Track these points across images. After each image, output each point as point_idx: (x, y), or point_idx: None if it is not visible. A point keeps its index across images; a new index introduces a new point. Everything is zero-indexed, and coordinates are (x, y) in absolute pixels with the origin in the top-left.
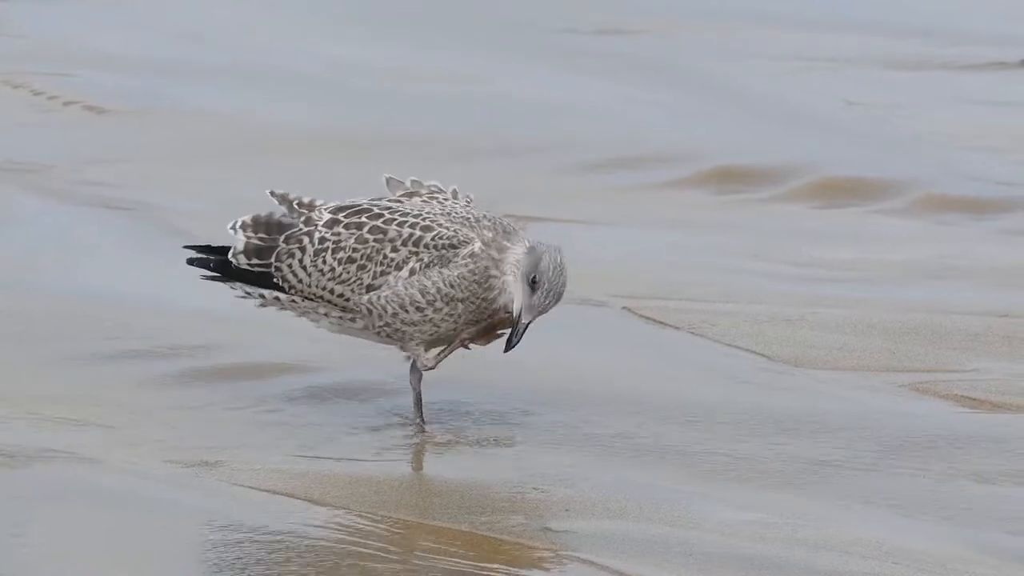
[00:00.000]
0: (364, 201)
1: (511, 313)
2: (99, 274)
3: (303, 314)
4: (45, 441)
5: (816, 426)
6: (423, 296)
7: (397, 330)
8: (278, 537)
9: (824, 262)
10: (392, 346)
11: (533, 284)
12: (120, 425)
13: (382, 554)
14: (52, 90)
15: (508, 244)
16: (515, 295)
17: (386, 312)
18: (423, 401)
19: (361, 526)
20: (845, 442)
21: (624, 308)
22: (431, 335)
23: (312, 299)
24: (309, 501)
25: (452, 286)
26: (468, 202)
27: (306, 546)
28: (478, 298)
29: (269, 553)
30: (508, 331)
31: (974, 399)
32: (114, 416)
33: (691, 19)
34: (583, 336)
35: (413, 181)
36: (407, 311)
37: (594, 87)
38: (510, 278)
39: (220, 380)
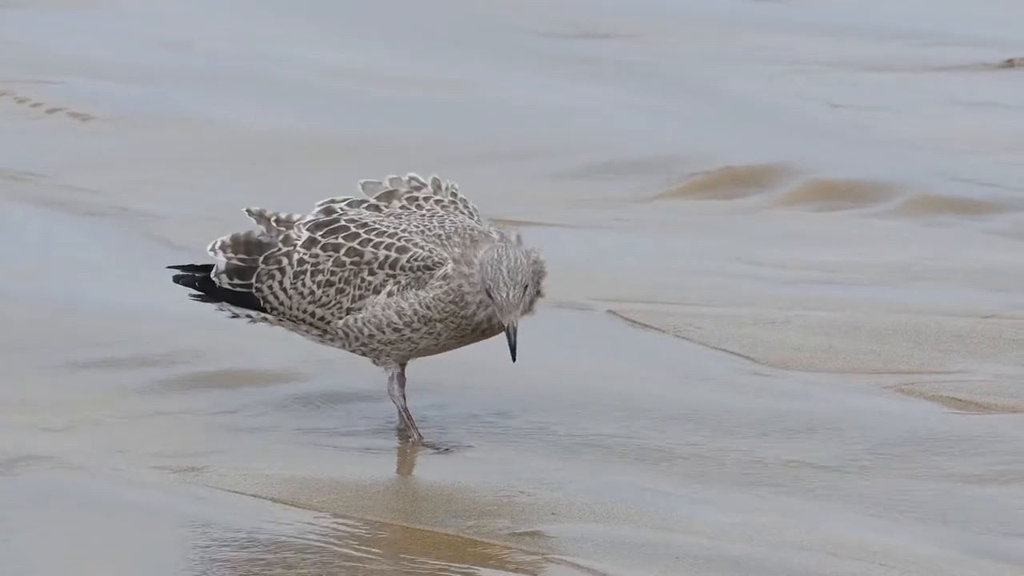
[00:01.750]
0: (343, 211)
1: (482, 322)
2: (84, 281)
3: (293, 330)
4: (30, 448)
5: (802, 428)
6: (400, 318)
7: (373, 349)
8: (265, 541)
9: (810, 264)
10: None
11: (488, 293)
12: (106, 431)
13: (369, 557)
14: (36, 97)
15: (475, 258)
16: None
17: (363, 334)
18: (410, 413)
19: (347, 530)
20: (831, 444)
21: (609, 311)
22: (409, 351)
23: (294, 320)
24: (295, 506)
25: (428, 308)
26: (453, 195)
27: (293, 550)
28: (457, 316)
29: (256, 557)
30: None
31: (960, 400)
32: (100, 422)
33: (674, 23)
34: (568, 339)
35: (392, 179)
36: (384, 332)
37: (579, 91)
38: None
39: (206, 387)
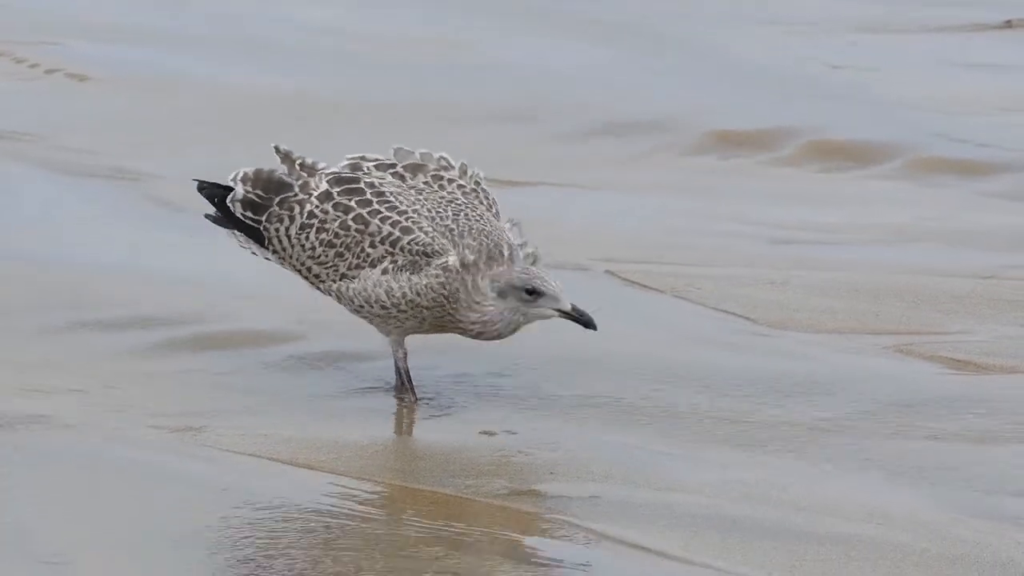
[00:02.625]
0: (368, 172)
1: (475, 328)
2: (81, 242)
3: (293, 273)
4: (29, 408)
5: (800, 388)
6: (388, 297)
7: (364, 317)
8: (264, 501)
9: (809, 225)
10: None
11: (532, 293)
12: (104, 392)
13: (367, 516)
14: (34, 58)
15: (486, 277)
16: (532, 313)
17: (352, 303)
18: (410, 375)
19: (346, 489)
20: (830, 404)
21: (607, 272)
22: (396, 327)
23: (292, 268)
24: (294, 465)
25: (418, 294)
26: (477, 184)
27: (292, 510)
28: (444, 310)
29: (255, 517)
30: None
31: (959, 360)
32: (98, 383)
33: None
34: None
35: (423, 153)
36: (371, 306)
37: (578, 52)
38: (500, 305)
39: (204, 348)
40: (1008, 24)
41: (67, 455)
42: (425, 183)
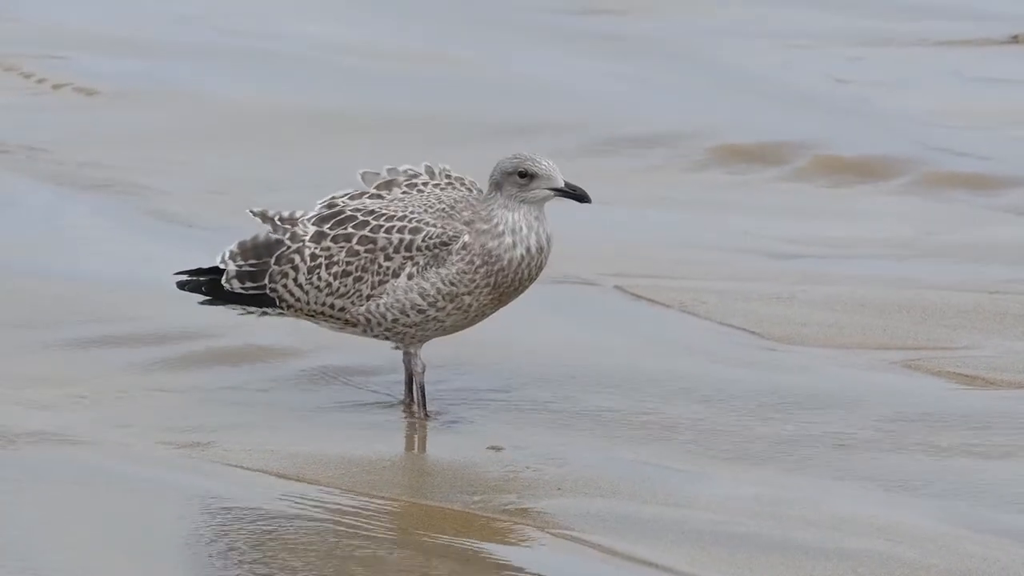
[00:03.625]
0: (345, 204)
1: (519, 250)
2: (89, 256)
3: (309, 321)
4: (35, 423)
5: (808, 403)
6: (423, 299)
7: (397, 333)
8: (271, 516)
9: (816, 239)
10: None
11: (524, 175)
12: (111, 407)
13: (374, 533)
14: (42, 72)
15: (486, 203)
16: (528, 198)
17: (385, 319)
18: (424, 387)
19: (353, 505)
20: (837, 419)
21: (616, 287)
22: (435, 330)
23: (312, 315)
24: (302, 481)
25: (453, 284)
26: (447, 177)
27: (299, 525)
28: (491, 276)
29: (262, 532)
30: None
31: (966, 375)
32: (105, 398)
33: None
34: (574, 315)
35: (388, 169)
36: (408, 315)
37: (581, 67)
38: (511, 215)
39: (211, 363)
40: (1015, 39)
41: (73, 470)
42: (404, 193)
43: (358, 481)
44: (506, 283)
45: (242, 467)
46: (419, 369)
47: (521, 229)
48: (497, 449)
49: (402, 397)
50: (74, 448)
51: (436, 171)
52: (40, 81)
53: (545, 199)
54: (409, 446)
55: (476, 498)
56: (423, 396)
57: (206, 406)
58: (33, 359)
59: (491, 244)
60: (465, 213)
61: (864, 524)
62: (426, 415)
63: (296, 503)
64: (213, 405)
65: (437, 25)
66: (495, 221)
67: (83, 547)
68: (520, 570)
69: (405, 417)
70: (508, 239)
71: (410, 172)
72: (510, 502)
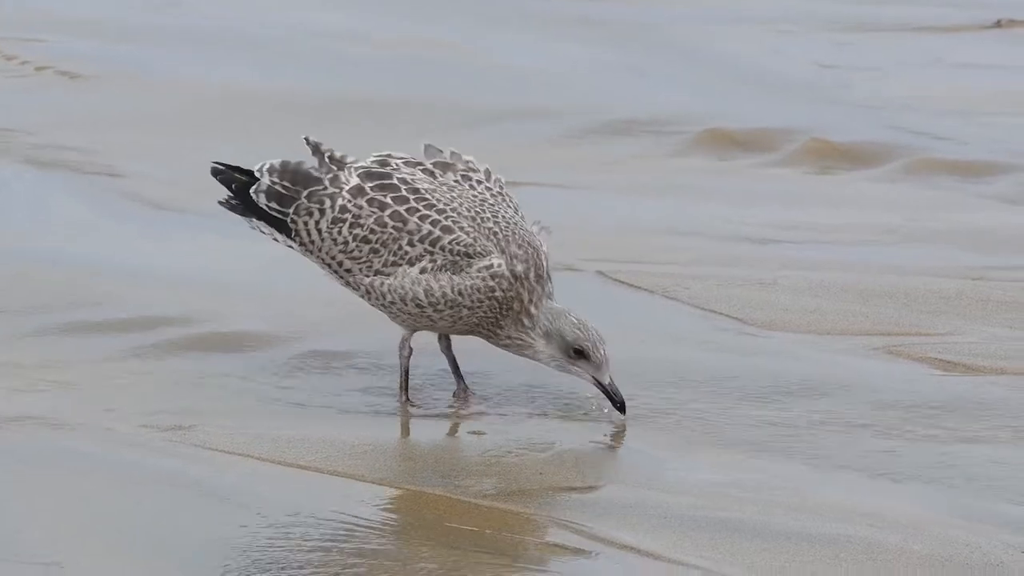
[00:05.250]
0: (396, 168)
1: (510, 344)
2: (70, 241)
3: (317, 265)
4: (18, 408)
5: (790, 389)
6: (426, 296)
7: (390, 312)
8: (251, 499)
9: (800, 225)
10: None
11: (579, 353)
12: (94, 391)
13: (356, 517)
14: (24, 55)
15: (538, 309)
16: (568, 368)
17: (384, 297)
18: (409, 375)
19: (334, 489)
20: (819, 405)
21: (598, 272)
22: (425, 325)
23: (320, 261)
24: (283, 464)
25: (460, 294)
26: (501, 187)
27: (278, 508)
28: (489, 316)
29: (242, 514)
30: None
31: (948, 362)
32: (88, 383)
33: None
34: (557, 301)
35: (452, 152)
36: (406, 304)
37: (569, 53)
38: (545, 346)
39: (194, 349)
40: (998, 24)
41: (57, 454)
42: (455, 181)
43: (339, 465)
44: (485, 327)
45: (224, 451)
46: (405, 353)
47: (538, 352)
48: (480, 434)
49: (395, 390)
50: (57, 432)
51: (493, 178)
52: (23, 63)
53: (582, 379)
54: (391, 431)
55: (458, 482)
56: (405, 379)
57: (189, 391)
58: (13, 343)
59: (517, 313)
60: (518, 265)
61: (846, 510)
62: (406, 399)
63: (276, 487)
64: (196, 390)
65: (424, 11)
66: (528, 326)
67: (66, 530)
68: (502, 554)
69: (387, 402)
70: (513, 333)
71: (470, 164)
72: (492, 486)
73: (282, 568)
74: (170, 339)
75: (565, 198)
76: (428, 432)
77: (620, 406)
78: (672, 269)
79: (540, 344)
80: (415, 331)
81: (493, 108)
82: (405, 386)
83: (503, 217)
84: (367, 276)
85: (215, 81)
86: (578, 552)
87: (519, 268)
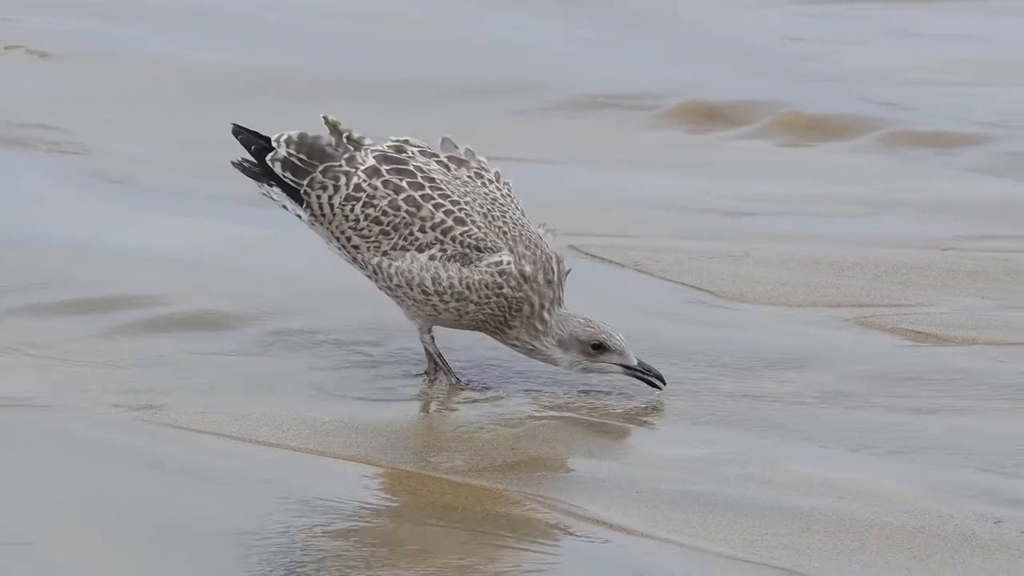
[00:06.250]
0: (412, 155)
1: (523, 348)
2: (43, 220)
3: (323, 239)
4: None
5: (760, 362)
6: (433, 284)
7: (397, 297)
8: (221, 476)
9: (771, 197)
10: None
11: (599, 348)
12: (64, 371)
13: (325, 493)
14: None
15: (549, 317)
16: (590, 364)
17: (391, 280)
18: (441, 355)
19: (305, 466)
20: (790, 377)
21: (570, 246)
22: (428, 315)
23: (329, 234)
24: (253, 442)
25: (468, 287)
26: (509, 191)
27: (250, 486)
28: (498, 314)
29: (212, 491)
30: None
31: (919, 332)
32: (58, 363)
33: None
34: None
35: (467, 150)
36: (412, 289)
37: (539, 28)
38: (559, 354)
39: (166, 328)
40: None
41: (28, 434)
42: (469, 177)
43: (309, 441)
44: (491, 325)
45: (194, 429)
46: (427, 340)
47: (536, 353)
48: (452, 410)
49: (424, 368)
50: (28, 412)
51: (502, 180)
52: None
53: (612, 374)
54: (362, 407)
55: (430, 459)
56: (444, 363)
57: (160, 370)
58: None
59: (527, 315)
60: (527, 266)
61: (818, 482)
62: (456, 380)
63: (246, 464)
64: (167, 369)
65: None
66: (541, 331)
67: (37, 510)
68: (474, 531)
69: (357, 380)
70: (525, 337)
71: (483, 164)
72: (464, 462)
73: (251, 545)
74: (139, 318)
75: (537, 172)
76: (399, 409)
77: (657, 379)
78: (643, 242)
79: (557, 353)
80: (428, 323)
81: (465, 83)
82: (447, 368)
83: (511, 218)
84: (375, 256)
85: (184, 59)
86: (550, 527)
87: (527, 269)
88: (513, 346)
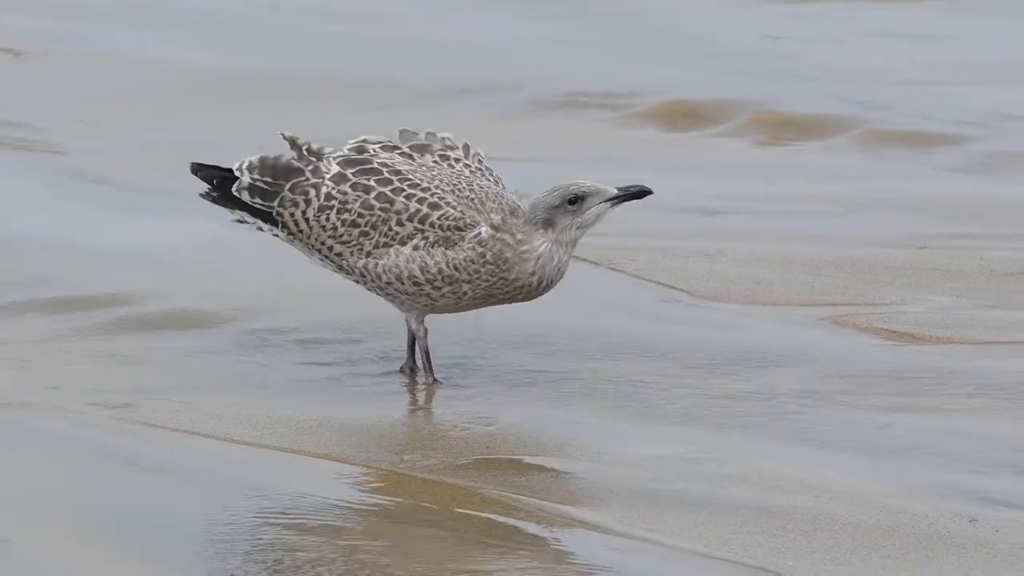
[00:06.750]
0: (375, 153)
1: (534, 278)
2: (18, 219)
3: (304, 253)
4: None
5: (736, 361)
6: (422, 273)
7: (389, 294)
8: (197, 475)
9: (747, 196)
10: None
11: (574, 201)
12: (40, 370)
13: (300, 492)
14: None
15: (523, 228)
16: (580, 221)
17: (380, 279)
18: (430, 355)
19: (279, 463)
20: (765, 376)
21: None
22: (425, 306)
23: (309, 248)
24: (228, 440)
25: (457, 268)
26: (480, 161)
27: (224, 485)
28: (496, 278)
29: (184, 489)
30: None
31: (894, 331)
32: (34, 361)
33: None
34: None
35: (427, 134)
36: (403, 283)
37: (522, 28)
38: (552, 247)
39: (141, 327)
40: None
41: (3, 433)
42: (434, 162)
43: (285, 440)
44: (503, 290)
45: (170, 428)
46: (420, 334)
47: (545, 266)
48: (427, 409)
49: (403, 364)
50: (4, 411)
51: (472, 152)
52: None
53: (602, 215)
54: (337, 406)
55: (405, 457)
56: (428, 361)
57: (136, 369)
58: None
59: (511, 258)
60: (495, 216)
61: (793, 481)
62: (434, 380)
63: (219, 462)
64: (142, 368)
65: None
66: (525, 246)
67: (13, 508)
68: (447, 529)
69: (330, 378)
70: (530, 266)
71: (447, 143)
72: (438, 461)
73: (226, 543)
74: (116, 317)
75: (515, 171)
76: (374, 407)
77: (643, 192)
78: (618, 240)
79: (548, 239)
80: (423, 315)
81: (445, 83)
82: (429, 367)
83: (478, 186)
84: (360, 259)
85: (159, 58)
86: (524, 526)
87: (496, 219)
88: (531, 288)
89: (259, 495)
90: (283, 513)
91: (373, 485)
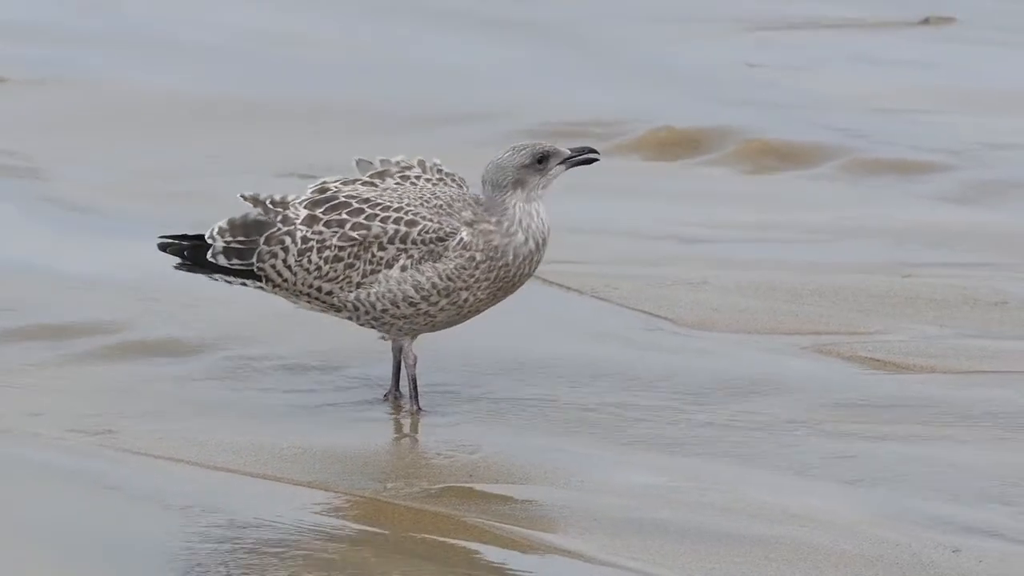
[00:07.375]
0: (338, 189)
1: (530, 245)
2: None
3: (291, 301)
4: None
5: (719, 389)
6: (417, 291)
7: (384, 323)
8: (178, 502)
9: (731, 224)
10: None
11: (543, 159)
12: (21, 396)
13: (281, 520)
14: None
15: (494, 204)
16: (544, 176)
17: (374, 308)
18: (417, 383)
19: (260, 491)
20: (748, 405)
21: None
22: (424, 324)
23: (296, 295)
24: (210, 468)
25: (450, 279)
26: (439, 172)
27: (205, 512)
28: (493, 272)
29: (166, 518)
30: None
31: (878, 360)
32: (15, 387)
33: None
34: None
35: (382, 160)
36: (399, 307)
37: (503, 55)
38: (523, 209)
39: (123, 354)
40: (926, 22)
41: None
42: (396, 183)
43: (266, 466)
44: (507, 278)
45: (151, 455)
46: (410, 361)
47: (531, 226)
48: (411, 437)
49: (386, 391)
50: None
51: (428, 166)
52: None
53: (558, 175)
54: (320, 433)
55: (388, 485)
56: (415, 389)
57: (118, 396)
58: None
59: (501, 242)
60: (465, 213)
61: (776, 510)
62: (418, 408)
63: (200, 488)
64: (125, 395)
65: (359, 13)
66: (506, 222)
67: None
68: (430, 558)
69: (314, 406)
70: (520, 236)
71: (403, 164)
72: (421, 489)
73: (206, 571)
74: (96, 345)
75: None
76: (357, 435)
77: (590, 154)
78: (602, 269)
79: (519, 198)
80: (414, 337)
81: (426, 112)
82: (415, 395)
83: (443, 194)
84: (351, 292)
85: (139, 85)
86: (508, 554)
87: (467, 215)
88: (530, 255)
89: (241, 523)
90: (265, 541)
91: (356, 513)
